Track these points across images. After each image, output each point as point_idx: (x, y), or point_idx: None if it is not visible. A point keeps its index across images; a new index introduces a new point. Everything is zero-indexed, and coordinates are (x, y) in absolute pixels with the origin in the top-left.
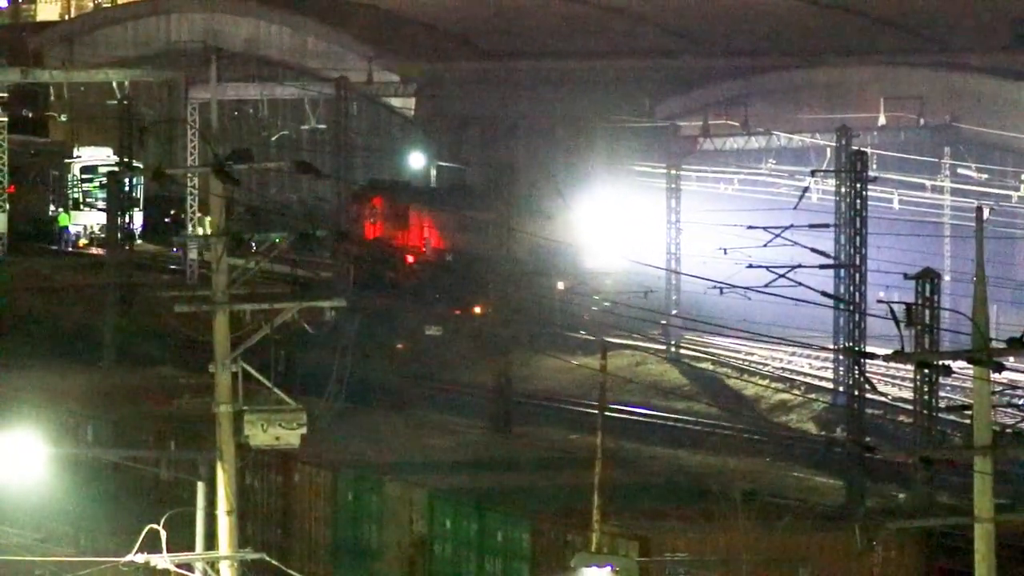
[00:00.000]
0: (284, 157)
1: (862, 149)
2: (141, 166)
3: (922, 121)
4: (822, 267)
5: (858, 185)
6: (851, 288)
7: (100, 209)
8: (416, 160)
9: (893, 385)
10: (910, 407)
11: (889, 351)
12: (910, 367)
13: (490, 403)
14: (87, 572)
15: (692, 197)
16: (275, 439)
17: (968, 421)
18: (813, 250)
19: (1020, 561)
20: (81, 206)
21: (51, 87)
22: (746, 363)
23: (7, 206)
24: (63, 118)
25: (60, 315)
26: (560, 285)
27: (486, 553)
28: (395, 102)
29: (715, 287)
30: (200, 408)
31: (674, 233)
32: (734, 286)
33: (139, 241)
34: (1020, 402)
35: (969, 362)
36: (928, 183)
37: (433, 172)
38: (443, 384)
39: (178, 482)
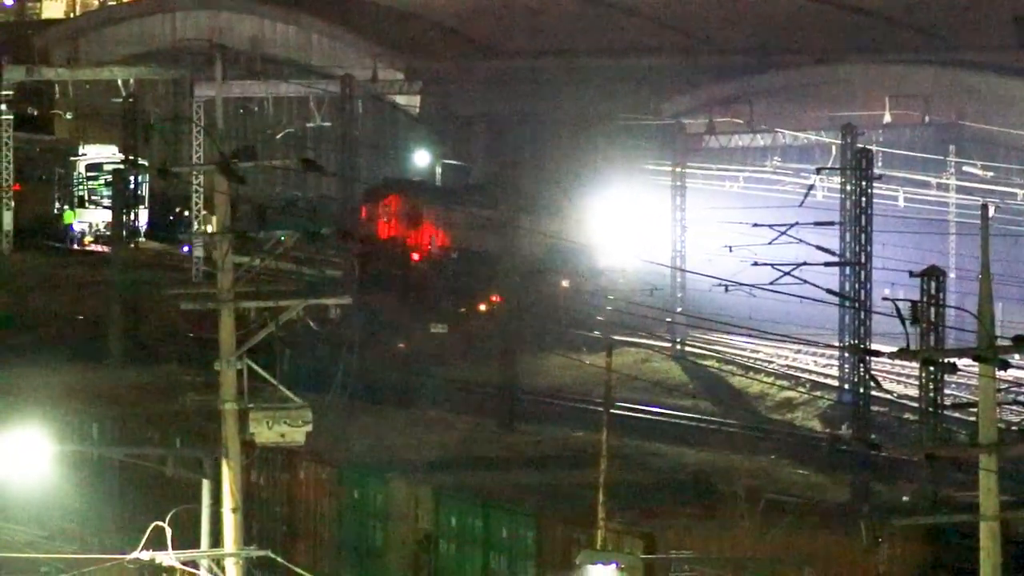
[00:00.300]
0: (289, 155)
1: (867, 147)
2: (146, 164)
3: (927, 119)
4: (827, 265)
5: (863, 183)
6: (856, 286)
7: (105, 207)
8: (421, 158)
9: (898, 383)
10: (915, 405)
11: (895, 349)
12: (915, 364)
13: (495, 400)
14: (93, 569)
15: (697, 195)
16: (280, 436)
17: (973, 419)
18: (818, 248)
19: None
20: (86, 204)
21: (56, 85)
22: (751, 360)
23: (12, 204)
24: (68, 116)
25: (65, 312)
26: (565, 283)
27: (491, 550)
28: (400, 100)
29: (720, 285)
30: (206, 405)
31: (679, 231)
32: (740, 284)
33: (142, 239)
34: None
35: (974, 359)
36: (933, 181)
37: (438, 170)
38: (449, 381)
39: (183, 479)
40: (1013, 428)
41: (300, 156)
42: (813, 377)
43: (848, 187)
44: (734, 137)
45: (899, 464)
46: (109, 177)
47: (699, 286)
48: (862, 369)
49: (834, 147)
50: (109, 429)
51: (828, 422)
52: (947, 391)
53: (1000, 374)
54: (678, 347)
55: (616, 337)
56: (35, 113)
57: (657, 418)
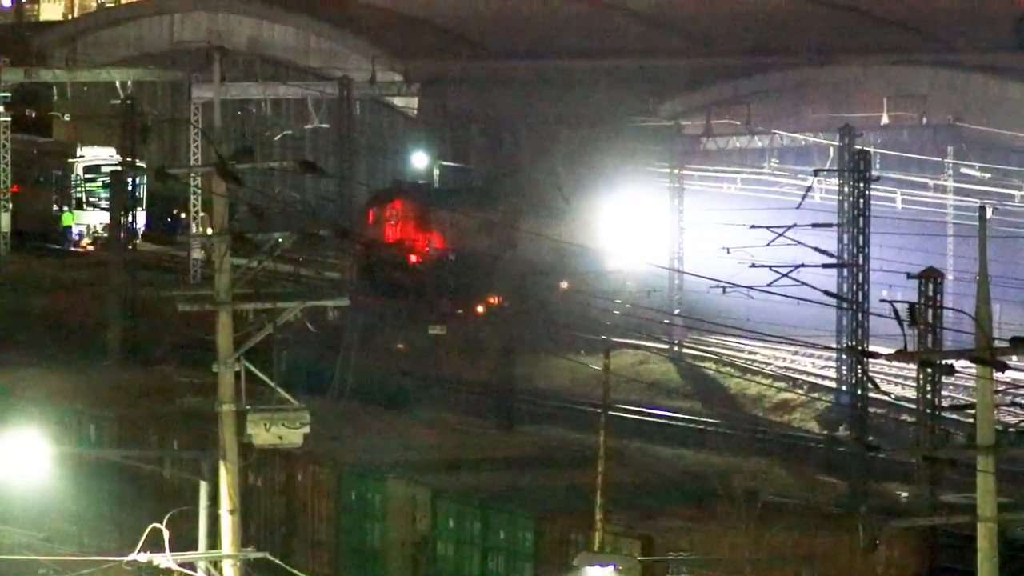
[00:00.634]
0: (287, 156)
1: (865, 148)
2: (144, 166)
3: (925, 120)
4: (825, 266)
5: (861, 184)
6: (854, 287)
7: (103, 208)
8: (419, 160)
9: (896, 384)
10: (913, 406)
11: (892, 350)
12: (913, 366)
13: (493, 402)
14: (90, 571)
15: (695, 197)
16: (278, 438)
17: (971, 420)
18: (816, 249)
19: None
20: (84, 206)
21: (54, 87)
22: (749, 362)
23: (10, 205)
24: (66, 118)
25: (63, 314)
26: (563, 284)
27: (489, 552)
28: (398, 101)
29: (718, 286)
30: (203, 407)
31: (677, 232)
32: (737, 285)
33: (138, 240)
34: (1023, 401)
35: (972, 361)
36: (931, 182)
37: (436, 172)
38: (446, 383)
39: (181, 481)
40: (1011, 430)
41: (298, 158)
42: (811, 379)
43: (846, 189)
44: (732, 139)
45: (897, 466)
46: (107, 179)
47: (697, 288)
48: (860, 371)
49: (832, 149)
50: (107, 431)
51: (826, 424)
52: (945, 393)
53: (998, 376)
54: (676, 349)
55: (614, 339)
56: (33, 115)
57: (655, 420)
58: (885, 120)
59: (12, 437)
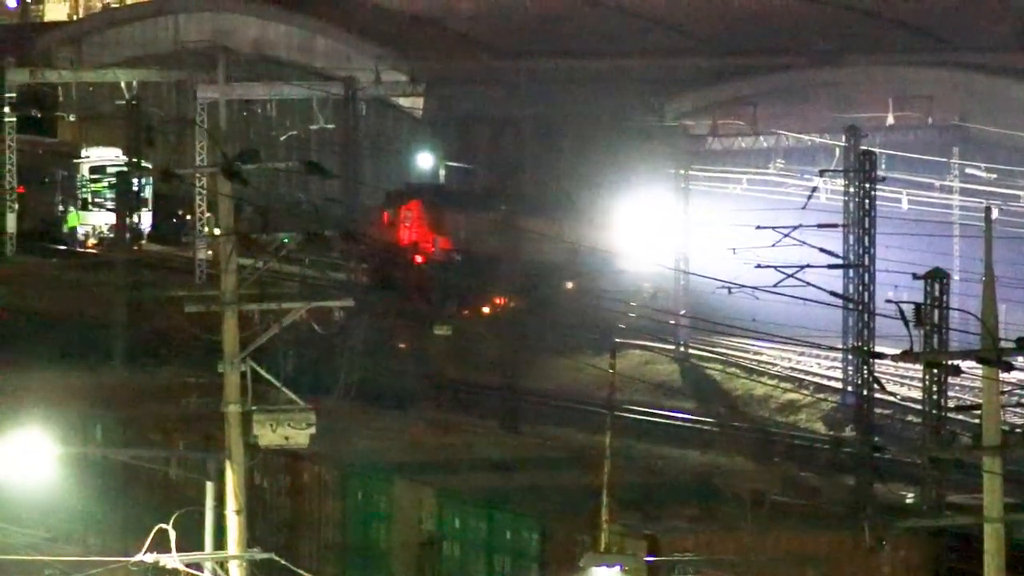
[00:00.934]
0: (293, 157)
1: (871, 149)
2: (150, 166)
3: (931, 121)
4: (831, 267)
5: (867, 185)
6: (860, 288)
7: (109, 209)
8: (424, 160)
9: (902, 385)
10: (919, 407)
11: (898, 351)
12: (919, 367)
13: (499, 402)
14: (96, 571)
15: (700, 197)
16: (284, 439)
17: (977, 421)
18: (822, 250)
19: None
20: (90, 206)
21: (60, 87)
22: (755, 363)
23: (16, 206)
24: (72, 118)
25: (69, 314)
26: (569, 285)
27: (495, 552)
28: (403, 102)
29: (724, 287)
30: (209, 408)
31: (683, 233)
32: (743, 286)
33: (143, 241)
34: None
35: (978, 362)
36: (937, 183)
37: (442, 172)
38: (453, 383)
39: (187, 482)
40: (1017, 430)
41: (303, 158)
42: (816, 379)
43: (851, 189)
44: (737, 139)
45: (902, 466)
46: (112, 179)
47: (703, 288)
48: (865, 371)
49: (837, 149)
50: (112, 431)
51: (831, 424)
52: (951, 393)
53: (1004, 376)
54: (682, 349)
55: (619, 340)
56: (38, 116)
57: (661, 420)
58: (891, 120)
59: (18, 437)
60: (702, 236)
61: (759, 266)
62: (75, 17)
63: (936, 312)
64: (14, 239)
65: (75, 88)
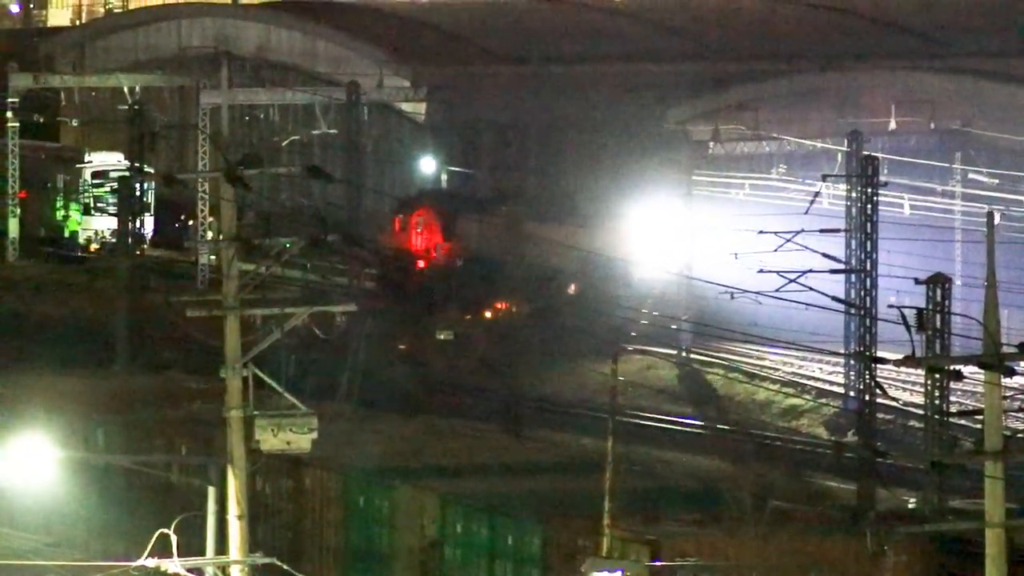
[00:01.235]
0: (295, 162)
1: (873, 154)
2: (152, 171)
3: (933, 126)
4: (833, 272)
5: (869, 190)
6: (862, 293)
7: (111, 214)
8: (427, 165)
9: (904, 390)
10: (921, 412)
11: (900, 356)
12: (921, 372)
13: (501, 407)
14: None
15: (703, 202)
16: (286, 444)
17: (979, 426)
18: (824, 255)
19: None
20: (92, 211)
21: (62, 92)
22: (757, 368)
23: (18, 211)
24: (74, 123)
25: (71, 319)
26: (571, 288)
27: (497, 557)
28: (406, 107)
29: (726, 292)
30: (211, 412)
31: (686, 238)
32: (745, 291)
33: (145, 246)
34: None
35: (980, 367)
36: (939, 188)
37: (444, 177)
38: (455, 388)
39: (189, 486)
40: (1019, 435)
41: (306, 163)
42: (819, 384)
43: (854, 194)
44: (739, 144)
45: (905, 471)
46: (115, 184)
47: (706, 293)
48: (868, 376)
49: (840, 154)
50: (114, 436)
51: (834, 429)
52: (953, 398)
53: (1006, 381)
54: (684, 354)
55: (621, 345)
56: (41, 120)
57: (663, 426)
58: (893, 125)
59: (20, 442)
60: (704, 241)
61: (761, 271)
62: (78, 22)
63: (938, 317)
64: (17, 243)
65: (78, 93)
